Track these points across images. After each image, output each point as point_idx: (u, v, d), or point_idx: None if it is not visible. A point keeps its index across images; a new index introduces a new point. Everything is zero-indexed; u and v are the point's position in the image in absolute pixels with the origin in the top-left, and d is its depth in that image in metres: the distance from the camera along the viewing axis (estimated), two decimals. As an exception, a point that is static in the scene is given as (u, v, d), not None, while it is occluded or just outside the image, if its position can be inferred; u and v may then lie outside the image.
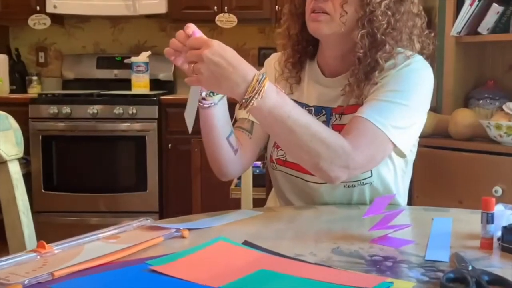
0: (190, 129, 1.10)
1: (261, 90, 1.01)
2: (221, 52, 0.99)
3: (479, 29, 2.56)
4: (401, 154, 1.22)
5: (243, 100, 1.02)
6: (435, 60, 2.88)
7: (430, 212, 1.22)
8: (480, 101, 2.65)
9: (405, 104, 1.18)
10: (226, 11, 3.71)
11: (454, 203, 2.36)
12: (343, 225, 1.11)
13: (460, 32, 2.58)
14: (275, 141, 1.31)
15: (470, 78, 2.76)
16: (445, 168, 2.47)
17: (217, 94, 1.15)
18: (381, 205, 1.02)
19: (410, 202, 1.41)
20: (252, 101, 1.01)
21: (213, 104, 1.16)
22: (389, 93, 1.18)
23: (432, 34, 1.29)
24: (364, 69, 1.22)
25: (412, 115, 1.20)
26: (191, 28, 1.06)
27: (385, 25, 1.20)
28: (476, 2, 2.51)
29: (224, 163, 1.25)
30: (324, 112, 1.29)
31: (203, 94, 1.14)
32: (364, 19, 1.19)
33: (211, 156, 1.25)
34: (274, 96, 1.04)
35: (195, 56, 1.00)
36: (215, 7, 3.72)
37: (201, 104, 1.15)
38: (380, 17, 1.19)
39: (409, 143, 1.22)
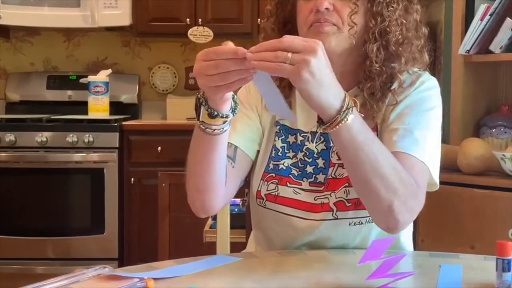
0: (292, 116, 1.17)
1: (352, 107, 1.06)
2: (327, 63, 1.04)
3: (491, 47, 2.61)
4: (434, 186, 1.28)
5: (338, 115, 1.05)
6: (440, 81, 2.93)
7: (437, 258, 1.23)
8: (493, 130, 2.69)
9: (430, 128, 1.25)
10: (200, 23, 3.74)
11: (464, 248, 2.37)
12: (336, 274, 1.11)
13: (469, 51, 2.63)
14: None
15: (481, 103, 2.80)
16: (454, 207, 2.48)
17: (231, 112, 1.11)
18: (380, 249, 1.02)
19: (414, 247, 1.43)
20: (347, 117, 1.05)
21: (223, 129, 1.12)
22: (413, 118, 1.25)
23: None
24: (379, 86, 1.27)
25: (438, 138, 1.27)
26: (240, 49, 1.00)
27: (399, 36, 1.26)
28: (488, 17, 2.57)
29: (212, 195, 1.25)
30: (322, 138, 1.31)
31: (231, 115, 1.11)
32: (376, 31, 1.24)
33: (200, 187, 1.23)
34: (359, 117, 1.09)
35: (299, 59, 0.99)
36: (188, 19, 3.74)
37: (210, 130, 1.11)
38: (393, 28, 1.25)
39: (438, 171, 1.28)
